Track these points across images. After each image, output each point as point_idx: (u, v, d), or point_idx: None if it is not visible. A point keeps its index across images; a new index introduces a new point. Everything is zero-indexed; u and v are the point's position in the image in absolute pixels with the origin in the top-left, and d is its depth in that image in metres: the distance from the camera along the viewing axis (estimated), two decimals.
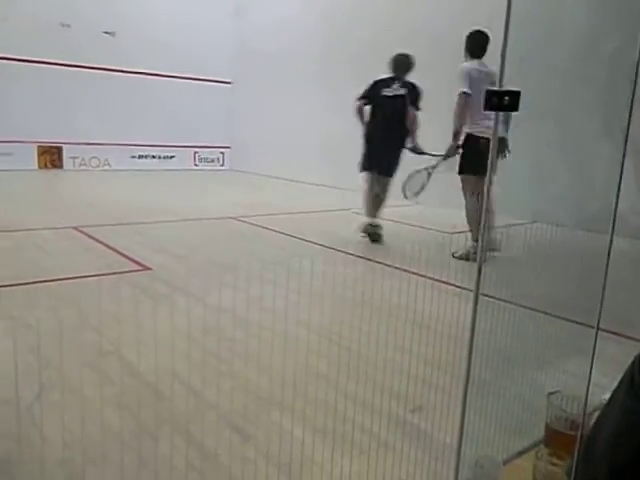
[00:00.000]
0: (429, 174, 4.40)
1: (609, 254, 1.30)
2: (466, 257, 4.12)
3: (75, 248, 4.16)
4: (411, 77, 4.85)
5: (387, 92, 4.80)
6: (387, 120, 4.74)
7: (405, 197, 4.41)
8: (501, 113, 1.23)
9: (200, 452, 1.62)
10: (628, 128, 1.45)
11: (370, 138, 4.86)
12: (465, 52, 4.40)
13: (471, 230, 4.28)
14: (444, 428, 1.66)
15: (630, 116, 1.33)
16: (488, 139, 3.92)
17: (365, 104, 4.88)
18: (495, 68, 3.92)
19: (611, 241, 1.31)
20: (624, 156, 1.34)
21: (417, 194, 4.42)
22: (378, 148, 4.76)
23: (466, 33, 4.42)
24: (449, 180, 4.80)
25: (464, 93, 4.16)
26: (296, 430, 1.71)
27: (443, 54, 6.71)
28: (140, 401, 1.86)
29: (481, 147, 4.03)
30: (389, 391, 1.93)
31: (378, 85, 4.86)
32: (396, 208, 5.13)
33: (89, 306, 2.70)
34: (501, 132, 4.23)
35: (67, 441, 1.55)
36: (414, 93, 4.74)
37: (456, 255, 4.20)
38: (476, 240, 4.17)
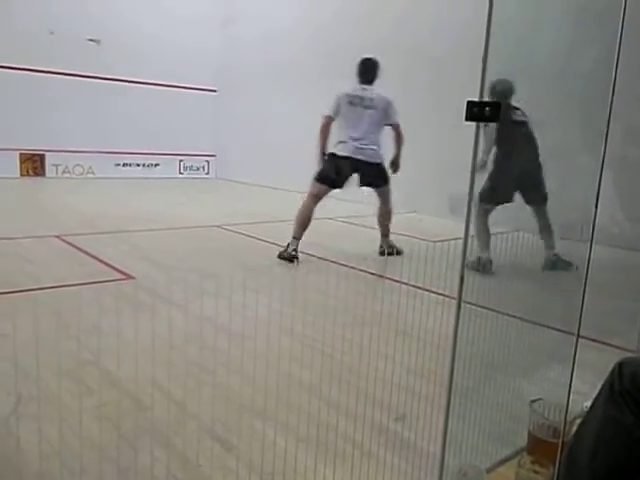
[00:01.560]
0: None
1: (589, 262, 1.31)
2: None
3: (57, 257, 4.11)
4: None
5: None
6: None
7: None
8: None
9: (181, 462, 1.60)
10: (606, 140, 1.48)
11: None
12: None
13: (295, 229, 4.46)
14: (427, 436, 1.66)
15: (608, 128, 1.36)
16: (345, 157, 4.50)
17: (331, 119, 4.63)
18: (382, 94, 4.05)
19: (591, 249, 1.32)
20: (602, 167, 1.36)
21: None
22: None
23: (442, 47, 4.54)
24: (437, 189, 4.85)
25: (327, 116, 4.60)
26: (279, 439, 1.69)
27: (424, 64, 6.78)
28: (120, 411, 1.83)
29: (337, 164, 4.55)
30: (372, 399, 1.93)
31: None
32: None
33: (70, 315, 2.66)
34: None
35: (45, 453, 1.52)
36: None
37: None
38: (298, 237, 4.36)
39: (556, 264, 4.01)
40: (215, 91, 11.70)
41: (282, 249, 4.33)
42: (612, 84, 1.27)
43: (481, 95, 1.24)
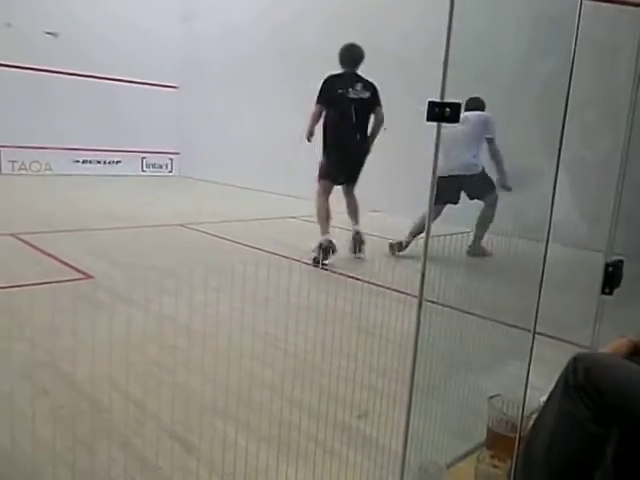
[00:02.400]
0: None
1: (545, 260, 1.34)
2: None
3: (12, 256, 3.98)
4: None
5: (352, 94, 4.40)
6: (354, 126, 4.43)
7: None
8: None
9: (140, 464, 1.57)
10: (561, 142, 1.51)
11: (337, 146, 4.50)
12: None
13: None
14: (389, 434, 1.67)
15: (563, 131, 1.39)
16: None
17: (324, 107, 4.43)
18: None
19: (547, 248, 1.35)
20: (558, 168, 1.39)
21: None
22: (346, 157, 4.52)
23: (408, 48, 4.58)
24: (406, 188, 4.90)
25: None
26: (240, 439, 1.68)
27: (397, 67, 6.84)
28: (76, 413, 1.78)
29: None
30: (335, 397, 1.93)
31: (336, 85, 4.42)
32: (345, 215, 5.16)
33: (24, 316, 2.57)
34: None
35: None
36: (377, 93, 4.52)
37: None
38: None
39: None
40: (177, 87, 11.54)
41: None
42: (567, 86, 1.30)
43: (442, 96, 1.25)
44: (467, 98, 4.66)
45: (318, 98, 4.45)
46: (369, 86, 4.50)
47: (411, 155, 4.77)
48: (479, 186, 4.67)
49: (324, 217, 4.47)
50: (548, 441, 1.12)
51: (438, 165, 1.28)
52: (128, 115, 10.62)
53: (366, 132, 4.55)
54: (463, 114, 4.45)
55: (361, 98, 4.44)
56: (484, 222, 4.72)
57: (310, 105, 4.56)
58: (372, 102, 4.49)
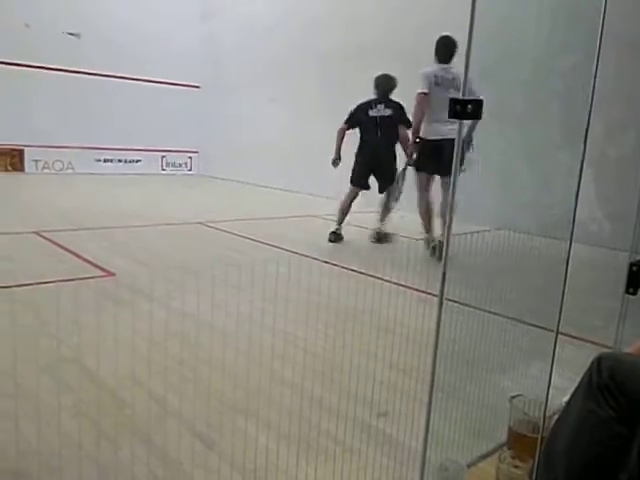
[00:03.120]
0: (402, 179, 4.59)
1: (568, 260, 1.33)
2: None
3: (36, 253, 4.05)
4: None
5: (372, 113, 4.90)
6: (377, 139, 4.88)
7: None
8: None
9: (162, 460, 1.58)
10: (586, 139, 1.50)
11: (362, 159, 5.00)
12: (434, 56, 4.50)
13: (422, 224, 4.57)
14: (409, 433, 1.67)
15: (587, 128, 1.37)
16: (439, 141, 4.22)
17: (349, 128, 4.97)
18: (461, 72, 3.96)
19: (570, 247, 1.34)
20: (582, 166, 1.38)
21: (397, 200, 4.85)
22: (372, 165, 4.93)
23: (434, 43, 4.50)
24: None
25: (422, 93, 4.32)
26: (261, 437, 1.69)
27: (411, 61, 6.80)
28: (100, 408, 1.81)
29: (433, 150, 4.29)
30: (355, 396, 1.93)
31: (362, 107, 4.95)
32: (364, 214, 5.15)
33: (48, 312, 2.62)
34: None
35: (22, 451, 1.49)
36: (400, 112, 4.86)
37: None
38: (427, 232, 4.54)
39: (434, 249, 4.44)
40: (198, 87, 11.62)
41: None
42: (592, 83, 1.29)
43: (463, 92, 1.25)
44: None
45: (347, 119, 5.01)
46: (392, 105, 4.89)
47: None
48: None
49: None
50: (570, 439, 1.11)
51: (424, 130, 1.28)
52: (148, 114, 10.73)
53: (392, 145, 4.90)
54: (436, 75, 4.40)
55: (382, 116, 4.87)
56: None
57: (331, 106, 4.78)
58: (395, 119, 4.86)
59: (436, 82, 4.33)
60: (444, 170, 4.42)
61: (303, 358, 2.31)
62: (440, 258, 1.25)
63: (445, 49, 4.39)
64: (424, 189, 4.51)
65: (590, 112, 1.34)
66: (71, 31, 9.82)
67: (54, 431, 1.56)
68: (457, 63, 4.44)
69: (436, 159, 4.25)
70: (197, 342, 2.21)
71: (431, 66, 4.41)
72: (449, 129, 4.16)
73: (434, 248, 4.44)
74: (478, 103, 1.21)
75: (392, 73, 5.00)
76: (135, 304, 2.82)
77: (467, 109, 1.20)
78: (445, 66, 4.39)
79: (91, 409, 1.80)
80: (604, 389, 1.05)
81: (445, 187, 4.48)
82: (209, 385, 2.00)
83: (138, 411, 1.82)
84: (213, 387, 1.98)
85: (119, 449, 1.57)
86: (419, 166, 4.50)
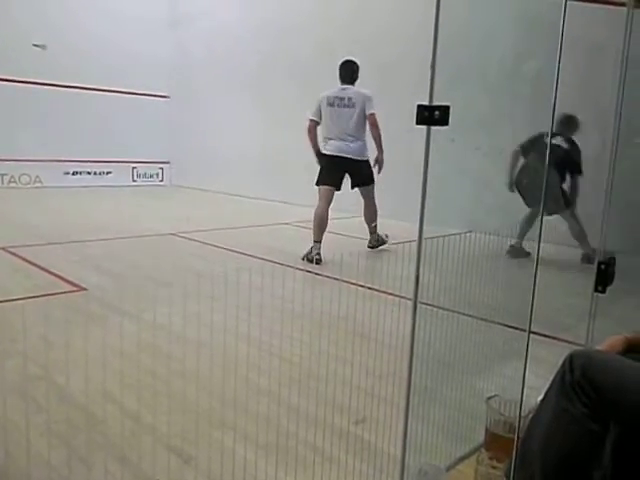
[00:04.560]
0: None
1: (537, 260, 1.34)
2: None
3: (3, 269, 3.94)
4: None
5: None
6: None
7: None
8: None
9: (137, 477, 1.55)
10: (550, 142, 1.52)
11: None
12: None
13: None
14: (388, 438, 1.66)
15: (551, 131, 1.39)
16: (334, 157, 4.65)
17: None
18: (363, 91, 4.17)
19: (539, 248, 1.36)
20: (548, 167, 1.40)
21: None
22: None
23: (392, 52, 4.60)
24: (398, 191, 4.93)
25: (310, 120, 4.76)
26: (238, 448, 1.66)
27: (383, 70, 6.86)
28: (71, 426, 1.76)
29: (326, 163, 4.72)
30: (332, 403, 1.92)
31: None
32: (337, 220, 5.16)
33: (15, 330, 2.55)
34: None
35: None
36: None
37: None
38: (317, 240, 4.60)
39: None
40: (167, 97, 11.52)
41: (306, 252, 4.50)
42: (554, 86, 1.31)
43: (430, 99, 1.26)
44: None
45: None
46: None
47: (404, 158, 4.78)
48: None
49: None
50: (545, 439, 1.12)
51: None
52: (118, 125, 10.58)
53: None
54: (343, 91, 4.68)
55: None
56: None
57: (303, 114, 4.73)
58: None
59: (329, 103, 4.69)
60: (355, 181, 4.83)
61: (279, 366, 2.29)
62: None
63: (344, 72, 4.75)
64: (321, 199, 4.74)
65: (553, 116, 1.36)
66: (36, 42, 9.65)
67: (23, 451, 1.51)
68: (360, 84, 4.81)
69: (332, 172, 4.70)
70: (170, 354, 2.17)
71: (331, 89, 4.75)
72: (346, 144, 4.65)
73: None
74: (445, 109, 1.23)
75: (365, 82, 4.97)
76: (106, 318, 2.77)
77: (434, 115, 1.22)
78: (344, 87, 4.71)
79: (62, 427, 1.75)
80: (577, 387, 1.06)
81: (364, 195, 4.92)
82: (184, 398, 1.96)
83: (111, 427, 1.78)
84: (188, 400, 1.95)
85: (92, 467, 1.53)
86: (318, 179, 4.78)
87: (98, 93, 10.45)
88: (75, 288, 3.43)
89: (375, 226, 5.01)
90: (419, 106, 1.22)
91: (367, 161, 4.79)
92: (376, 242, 5.01)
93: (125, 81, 10.64)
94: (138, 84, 10.87)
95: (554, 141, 4.68)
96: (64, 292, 3.33)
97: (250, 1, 9.55)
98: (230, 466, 1.52)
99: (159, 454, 1.63)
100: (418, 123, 1.22)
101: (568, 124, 4.86)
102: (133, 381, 1.90)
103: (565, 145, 4.85)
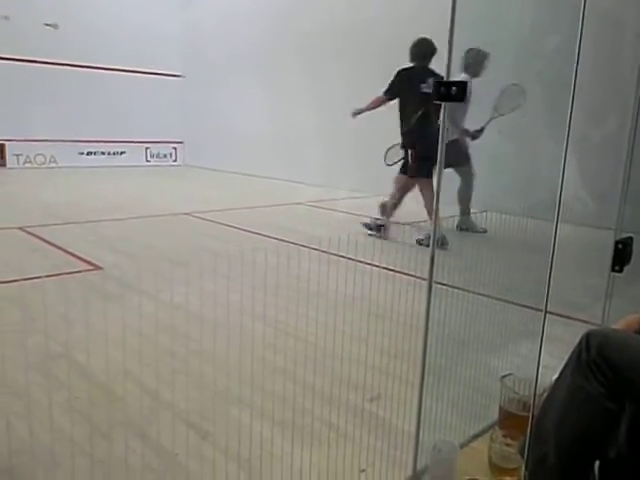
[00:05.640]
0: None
1: (555, 240, 1.34)
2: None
3: (21, 249, 4.00)
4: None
5: (426, 89, 4.34)
6: (434, 120, 4.31)
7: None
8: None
9: (156, 452, 1.59)
10: (570, 121, 1.49)
11: (423, 142, 4.40)
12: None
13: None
14: (402, 415, 1.68)
15: (572, 109, 1.37)
16: None
17: (390, 99, 4.56)
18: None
19: (556, 227, 1.35)
20: (567, 148, 1.38)
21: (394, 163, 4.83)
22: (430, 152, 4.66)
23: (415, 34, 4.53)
24: None
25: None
26: (255, 425, 1.69)
27: (398, 49, 6.77)
28: (92, 403, 1.80)
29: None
30: (347, 381, 1.94)
31: (408, 78, 4.47)
32: (349, 200, 5.15)
33: (36, 308, 2.60)
34: None
35: (15, 449, 1.48)
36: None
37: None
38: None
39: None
40: (181, 76, 11.48)
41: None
42: (575, 64, 1.29)
43: (447, 75, 1.24)
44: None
45: (387, 90, 4.59)
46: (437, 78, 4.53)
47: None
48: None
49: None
50: (560, 415, 1.13)
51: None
52: (132, 105, 10.58)
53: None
54: None
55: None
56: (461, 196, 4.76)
57: (315, 91, 4.62)
58: None
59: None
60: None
61: (294, 345, 2.31)
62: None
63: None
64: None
65: (574, 94, 1.34)
66: (48, 22, 9.63)
67: (46, 428, 1.55)
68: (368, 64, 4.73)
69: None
70: (187, 334, 2.20)
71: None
72: None
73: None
74: (462, 85, 1.21)
75: (375, 57, 4.90)
76: (123, 297, 2.81)
77: (452, 91, 1.20)
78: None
79: (83, 404, 1.79)
80: (593, 365, 1.06)
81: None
82: (201, 376, 2.00)
83: (130, 404, 1.81)
84: (205, 378, 1.98)
85: (113, 443, 1.57)
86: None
87: (112, 73, 10.44)
88: (92, 267, 3.47)
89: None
90: (436, 82, 1.22)
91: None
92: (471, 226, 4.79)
93: (138, 60, 10.61)
94: (151, 63, 10.84)
95: (428, 88, 4.32)
96: (81, 271, 3.38)
97: None
98: (247, 442, 1.55)
99: (178, 430, 1.67)
100: (436, 100, 1.22)
101: (420, 53, 4.45)
102: (152, 360, 1.93)
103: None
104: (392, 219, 4.75)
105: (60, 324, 2.28)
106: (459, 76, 4.42)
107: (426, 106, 4.37)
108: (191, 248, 4.20)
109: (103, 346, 1.54)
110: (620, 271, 1.67)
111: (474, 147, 4.77)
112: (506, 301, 2.48)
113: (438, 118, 4.68)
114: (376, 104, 4.63)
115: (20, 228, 4.56)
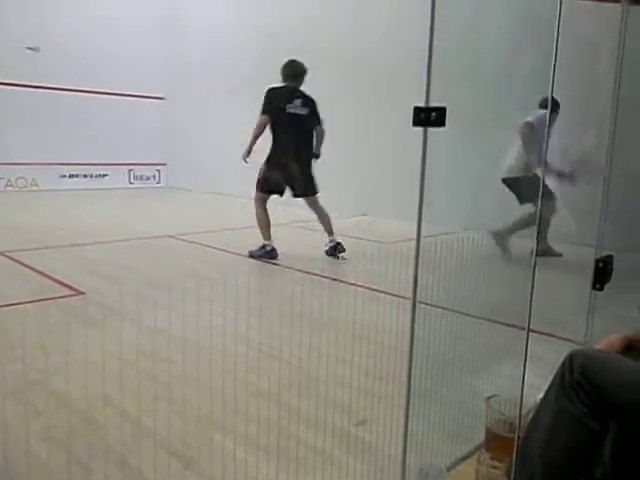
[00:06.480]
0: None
1: (535, 257, 1.34)
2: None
3: (1, 274, 3.93)
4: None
5: (291, 109, 4.59)
6: (295, 140, 4.62)
7: None
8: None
9: None
10: (547, 139, 1.51)
11: (279, 159, 4.73)
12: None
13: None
14: (388, 438, 1.66)
15: (549, 130, 1.39)
16: None
17: (269, 116, 4.66)
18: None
19: (537, 245, 1.36)
20: (545, 164, 1.39)
21: None
22: (291, 170, 4.69)
23: (392, 53, 4.59)
24: (394, 191, 4.89)
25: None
26: (239, 451, 1.66)
27: (379, 72, 6.87)
28: (70, 431, 1.76)
29: None
30: (332, 404, 1.92)
31: (277, 98, 4.63)
32: (336, 220, 5.15)
33: (14, 335, 2.54)
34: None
35: None
36: (316, 110, 4.67)
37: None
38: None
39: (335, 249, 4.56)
40: (163, 99, 11.50)
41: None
42: (550, 85, 1.31)
43: (427, 100, 1.25)
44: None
45: (263, 109, 4.66)
46: (308, 102, 4.62)
47: (400, 158, 4.78)
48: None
49: (265, 225, 4.70)
50: (545, 437, 1.12)
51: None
52: (114, 128, 10.56)
53: (308, 146, 4.70)
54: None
55: (298, 114, 4.58)
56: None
57: None
58: (311, 118, 4.63)
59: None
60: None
61: (279, 368, 2.29)
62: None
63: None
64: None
65: (550, 114, 1.36)
66: (30, 45, 9.62)
67: (22, 456, 1.51)
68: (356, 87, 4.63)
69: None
70: (169, 358, 2.17)
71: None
72: None
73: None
74: (441, 111, 1.22)
75: (361, 85, 4.96)
76: (105, 322, 2.76)
77: (431, 117, 1.21)
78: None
79: (61, 433, 1.74)
80: (576, 386, 1.06)
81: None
82: (184, 402, 1.96)
83: (111, 432, 1.77)
84: (188, 403, 1.95)
85: (91, 473, 1.53)
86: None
87: (93, 95, 10.43)
88: (73, 292, 3.42)
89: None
90: (416, 108, 1.22)
91: None
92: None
93: (120, 83, 10.62)
94: (133, 86, 10.85)
95: (294, 110, 4.55)
96: (62, 296, 3.33)
97: (245, 4, 9.54)
98: (231, 469, 1.51)
99: (160, 458, 1.63)
100: (415, 125, 1.22)
101: (293, 73, 4.58)
102: (133, 386, 1.89)
103: (306, 110, 4.54)
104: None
105: (39, 351, 2.23)
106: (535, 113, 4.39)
107: (296, 126, 4.56)
108: (174, 271, 4.16)
109: (83, 373, 1.50)
110: (601, 289, 1.69)
111: (447, 167, 4.81)
112: (490, 320, 2.49)
113: (313, 139, 4.72)
114: (260, 129, 4.71)
115: (1, 253, 4.49)
